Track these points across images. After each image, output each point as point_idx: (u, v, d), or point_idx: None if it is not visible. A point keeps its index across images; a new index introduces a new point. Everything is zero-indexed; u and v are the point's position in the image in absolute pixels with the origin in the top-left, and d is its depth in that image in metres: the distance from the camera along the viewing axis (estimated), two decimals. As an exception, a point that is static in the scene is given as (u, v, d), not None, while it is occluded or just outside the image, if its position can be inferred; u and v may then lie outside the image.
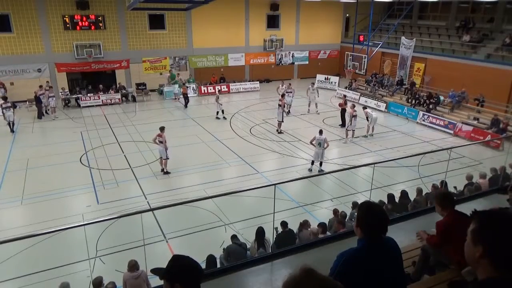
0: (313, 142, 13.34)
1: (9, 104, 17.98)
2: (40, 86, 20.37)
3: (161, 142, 12.91)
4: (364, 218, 2.51)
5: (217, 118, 19.69)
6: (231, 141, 16.54)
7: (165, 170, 13.15)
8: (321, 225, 8.05)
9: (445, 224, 3.65)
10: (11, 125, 17.77)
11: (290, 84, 21.80)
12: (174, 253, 8.56)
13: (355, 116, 16.31)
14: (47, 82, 21.84)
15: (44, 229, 7.41)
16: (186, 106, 22.28)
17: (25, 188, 12.13)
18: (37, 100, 19.71)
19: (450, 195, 4.05)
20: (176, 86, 23.93)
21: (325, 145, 13.13)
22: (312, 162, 13.53)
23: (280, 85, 21.17)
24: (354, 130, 16.59)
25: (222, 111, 19.77)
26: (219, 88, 24.01)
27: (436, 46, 23.87)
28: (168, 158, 13.14)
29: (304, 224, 8.18)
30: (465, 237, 1.59)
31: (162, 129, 13.18)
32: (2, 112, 18.09)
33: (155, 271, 2.28)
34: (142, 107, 22.65)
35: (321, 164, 13.45)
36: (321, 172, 13.03)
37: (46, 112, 20.44)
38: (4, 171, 13.48)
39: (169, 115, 20.97)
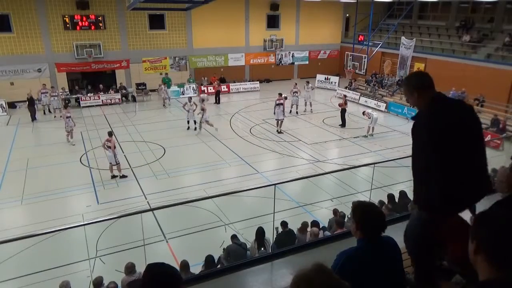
0: (185, 107, 17.70)
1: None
2: (44, 85, 20.82)
3: (109, 147, 12.60)
4: (361, 218, 2.50)
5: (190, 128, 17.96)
6: (231, 141, 16.55)
7: (120, 175, 12.84)
8: (314, 223, 8.33)
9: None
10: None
11: (296, 84, 21.71)
12: (174, 254, 8.62)
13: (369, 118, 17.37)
14: (52, 86, 21.35)
15: (44, 229, 7.40)
16: (218, 102, 23.25)
17: (25, 188, 12.13)
18: (30, 103, 19.33)
19: None
20: (169, 90, 23.69)
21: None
22: (188, 122, 17.60)
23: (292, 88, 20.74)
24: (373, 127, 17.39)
25: (195, 122, 17.67)
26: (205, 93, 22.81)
27: (436, 46, 23.87)
28: (118, 163, 12.82)
29: (304, 227, 8.26)
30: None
31: (110, 133, 13.03)
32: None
33: (131, 285, 2.21)
34: (142, 107, 22.66)
35: (195, 122, 17.46)
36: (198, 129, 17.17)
37: (49, 111, 20.56)
38: (4, 171, 13.47)
39: (169, 115, 20.98)
